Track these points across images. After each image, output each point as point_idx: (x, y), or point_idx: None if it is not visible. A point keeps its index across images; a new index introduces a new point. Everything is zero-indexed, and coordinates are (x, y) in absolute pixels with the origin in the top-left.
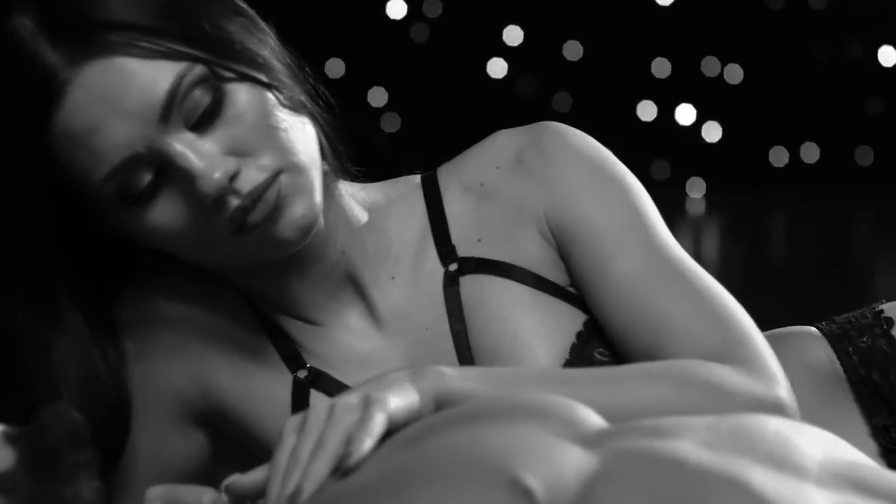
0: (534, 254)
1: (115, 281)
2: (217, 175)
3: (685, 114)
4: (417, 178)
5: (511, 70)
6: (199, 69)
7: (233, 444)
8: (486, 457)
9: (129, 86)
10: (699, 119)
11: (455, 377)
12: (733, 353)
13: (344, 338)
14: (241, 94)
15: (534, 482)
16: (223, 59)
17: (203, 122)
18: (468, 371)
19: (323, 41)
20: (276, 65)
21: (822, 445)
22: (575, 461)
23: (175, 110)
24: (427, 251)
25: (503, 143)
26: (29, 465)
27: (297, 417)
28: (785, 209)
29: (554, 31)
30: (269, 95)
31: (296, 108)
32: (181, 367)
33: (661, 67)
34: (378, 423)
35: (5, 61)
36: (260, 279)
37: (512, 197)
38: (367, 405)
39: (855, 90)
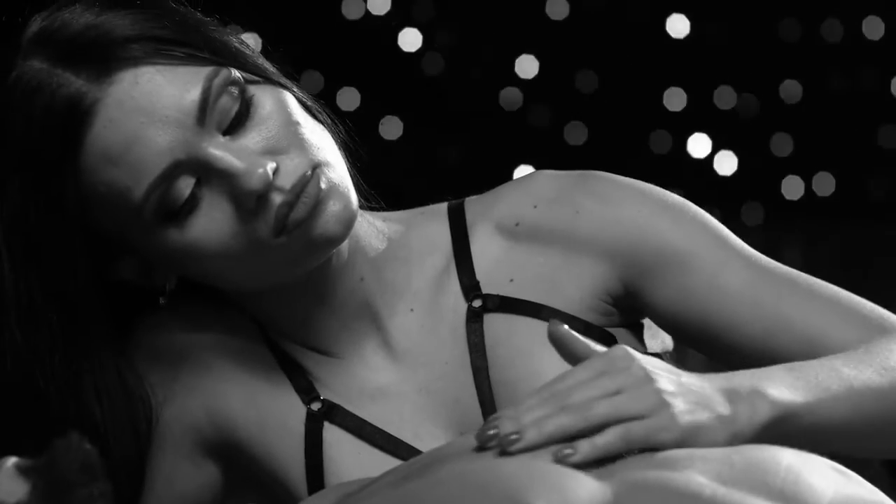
0: (572, 296)
1: (134, 312)
2: (260, 171)
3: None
4: (444, 207)
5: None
6: (225, 72)
7: (245, 477)
8: (498, 486)
9: (161, 93)
10: (713, 150)
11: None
12: (885, 328)
13: (359, 370)
14: (266, 96)
15: None
16: (242, 65)
17: (235, 126)
18: (778, 382)
19: (337, 72)
20: (285, 79)
21: (833, 482)
22: (587, 492)
23: (209, 113)
24: (449, 285)
25: (543, 183)
26: (42, 497)
27: (605, 360)
28: (799, 240)
29: (567, 61)
30: (291, 97)
31: (312, 113)
32: (195, 398)
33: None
34: (621, 444)
35: (29, 99)
36: (277, 306)
37: (556, 237)
38: (654, 410)
39: (868, 121)
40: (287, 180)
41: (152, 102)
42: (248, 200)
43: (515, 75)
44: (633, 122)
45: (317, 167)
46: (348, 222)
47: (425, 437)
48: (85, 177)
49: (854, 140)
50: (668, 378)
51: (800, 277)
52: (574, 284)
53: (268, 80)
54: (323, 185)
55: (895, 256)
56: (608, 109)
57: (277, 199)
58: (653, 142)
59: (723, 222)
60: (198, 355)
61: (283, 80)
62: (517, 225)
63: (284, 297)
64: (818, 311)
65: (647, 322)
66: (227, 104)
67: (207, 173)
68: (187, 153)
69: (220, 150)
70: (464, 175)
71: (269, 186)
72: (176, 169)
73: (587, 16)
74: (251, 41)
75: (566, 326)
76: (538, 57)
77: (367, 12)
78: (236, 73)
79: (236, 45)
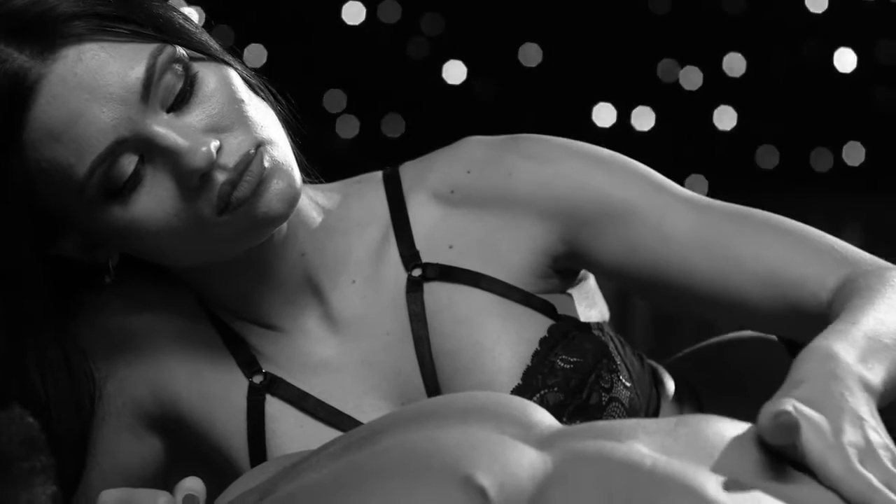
0: (512, 260)
1: (76, 288)
2: (203, 149)
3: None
4: (379, 175)
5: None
6: (170, 49)
7: (189, 449)
8: (439, 456)
9: (105, 70)
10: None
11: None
12: (847, 260)
13: (301, 343)
14: (210, 74)
15: (487, 481)
16: (186, 42)
17: (179, 104)
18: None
19: (281, 46)
20: (228, 55)
21: (779, 455)
22: (528, 462)
23: (153, 90)
24: (388, 254)
25: (475, 148)
26: None
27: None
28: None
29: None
30: (235, 74)
31: (255, 90)
32: (137, 372)
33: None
34: None
35: None
36: (219, 281)
37: (491, 201)
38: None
39: (813, 94)
40: (230, 158)
41: (96, 79)
42: (191, 178)
43: (459, 48)
44: (576, 96)
45: (260, 145)
46: (292, 200)
47: (367, 408)
48: (28, 153)
49: (797, 113)
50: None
51: (748, 213)
52: (513, 247)
53: (212, 57)
54: (266, 164)
55: (838, 229)
56: (552, 83)
57: (220, 177)
58: (596, 115)
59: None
60: (141, 331)
61: (227, 58)
62: (452, 192)
63: (226, 273)
64: (768, 247)
65: (584, 292)
66: (171, 81)
67: (151, 151)
68: (131, 130)
69: (164, 128)
70: (407, 149)
71: (212, 165)
72: (119, 146)
73: None
74: (194, 16)
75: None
76: (482, 31)
77: None
78: (181, 51)
79: (181, 21)
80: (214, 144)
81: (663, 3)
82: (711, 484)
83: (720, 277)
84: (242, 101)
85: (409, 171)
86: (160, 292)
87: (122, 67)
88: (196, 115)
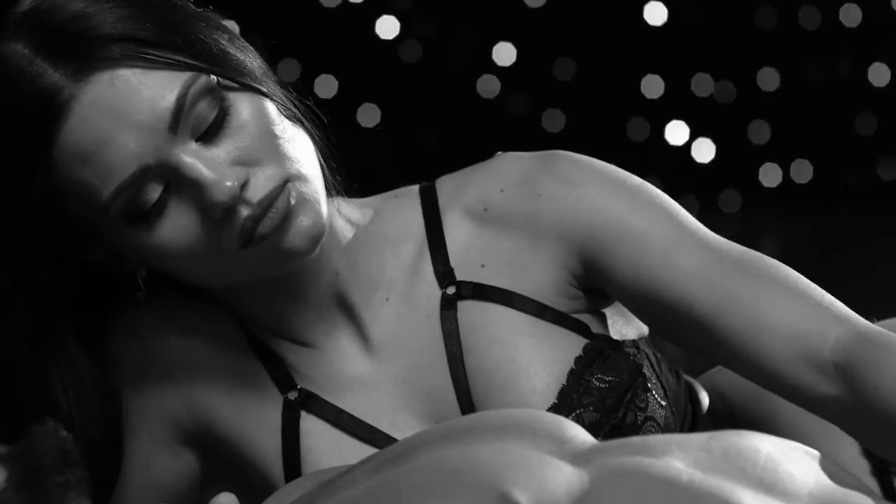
0: (540, 280)
1: (108, 302)
2: (228, 183)
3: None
4: (415, 190)
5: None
6: (203, 79)
7: (223, 465)
8: (475, 472)
9: (136, 97)
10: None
11: None
12: (840, 319)
13: (335, 360)
14: (244, 105)
15: (524, 498)
16: (223, 70)
17: (209, 134)
18: None
19: (314, 60)
20: (268, 78)
21: (813, 471)
22: (565, 478)
23: (183, 120)
24: (423, 271)
25: (509, 167)
26: (18, 484)
27: None
28: (777, 227)
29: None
30: (270, 105)
31: (292, 119)
32: (171, 387)
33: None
34: None
35: (6, 84)
36: (252, 299)
37: (521, 221)
38: None
39: (846, 108)
40: (256, 193)
41: (126, 106)
42: (215, 211)
43: (493, 63)
44: (610, 110)
45: (288, 181)
46: (316, 238)
47: (401, 426)
48: (56, 170)
49: (831, 127)
50: None
51: (758, 261)
52: (539, 268)
53: (248, 87)
54: (293, 200)
55: (871, 243)
56: (586, 97)
57: (244, 211)
58: (630, 129)
59: (700, 209)
60: (176, 347)
61: (267, 83)
62: (486, 210)
63: (259, 292)
64: (769, 295)
65: (621, 309)
66: (203, 111)
67: (176, 180)
68: (157, 159)
69: (191, 158)
70: (441, 163)
71: (236, 199)
72: (144, 174)
73: (565, 3)
74: (235, 28)
75: None
76: (516, 45)
77: (345, 0)
78: (215, 80)
79: (223, 43)
80: (240, 178)
81: (697, 18)
82: (748, 500)
83: (714, 311)
84: (275, 134)
85: (446, 187)
86: (195, 308)
87: (153, 95)
88: (225, 147)
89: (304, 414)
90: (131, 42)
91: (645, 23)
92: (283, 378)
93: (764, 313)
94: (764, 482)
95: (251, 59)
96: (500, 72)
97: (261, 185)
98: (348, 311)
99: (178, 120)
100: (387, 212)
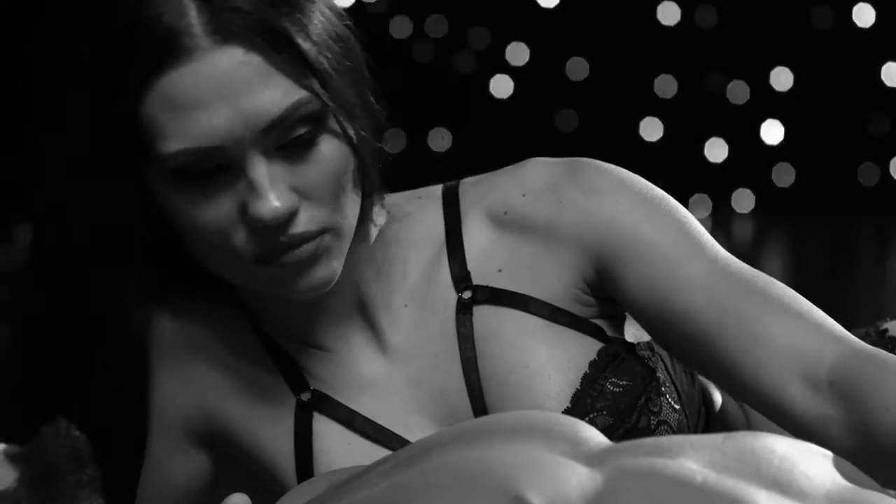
0: (556, 286)
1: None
2: (277, 204)
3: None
4: (438, 191)
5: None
6: (315, 105)
7: (236, 466)
8: (489, 474)
9: (254, 89)
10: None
11: None
12: (838, 340)
13: (350, 363)
14: (331, 145)
15: (538, 500)
16: (336, 106)
17: (288, 150)
18: None
19: None
20: (366, 116)
21: (829, 471)
22: (579, 479)
23: (277, 130)
24: (440, 275)
25: (534, 172)
26: (30, 484)
27: None
28: (790, 227)
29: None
30: (351, 157)
31: (363, 177)
32: (185, 388)
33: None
34: None
35: (141, 4)
36: (270, 301)
37: (539, 227)
38: None
39: (859, 108)
40: (295, 227)
41: (241, 90)
42: (251, 219)
43: (507, 63)
44: (623, 110)
45: (326, 231)
46: (319, 290)
47: (415, 428)
48: (145, 98)
49: (843, 127)
50: None
51: (764, 281)
52: (556, 274)
53: (345, 135)
54: (320, 251)
55: (883, 243)
56: (599, 97)
57: (275, 236)
58: (643, 129)
59: (713, 209)
60: (189, 347)
61: (360, 144)
62: (505, 213)
63: (277, 296)
64: (772, 312)
65: None
66: (297, 131)
67: (238, 172)
68: (235, 147)
69: (263, 164)
70: (453, 163)
71: (277, 221)
72: (215, 151)
73: (578, 3)
74: None
75: None
76: (529, 45)
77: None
78: (321, 113)
79: (346, 69)
80: (292, 207)
81: (710, 18)
82: (763, 500)
83: (717, 324)
84: (340, 185)
85: (469, 189)
86: (210, 310)
87: (269, 96)
88: (294, 171)
89: (316, 415)
90: (282, 39)
91: (658, 23)
92: (297, 379)
93: (765, 330)
94: (779, 482)
95: (360, 95)
96: (514, 72)
97: (303, 221)
98: (368, 316)
99: (274, 129)
100: (409, 216)
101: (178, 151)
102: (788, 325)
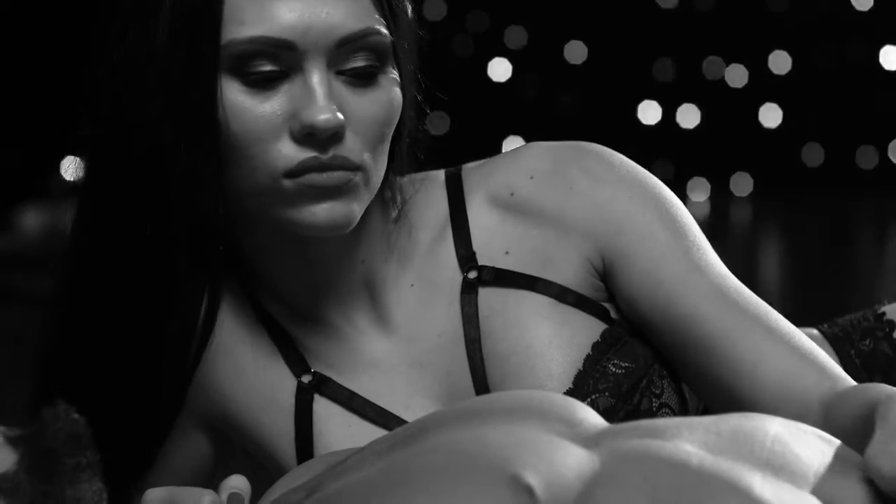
0: (565, 269)
1: None
2: (329, 116)
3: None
4: (441, 176)
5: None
6: (385, 39)
7: (236, 448)
8: (486, 455)
9: (335, 11)
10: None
11: None
12: (823, 370)
13: (352, 341)
14: (387, 90)
15: (534, 480)
16: (403, 52)
17: (351, 78)
18: None
19: None
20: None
21: (820, 452)
22: (576, 460)
23: (345, 50)
24: (445, 255)
25: (539, 155)
26: (29, 467)
27: None
28: (788, 211)
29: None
30: (397, 115)
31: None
32: None
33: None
34: None
35: None
36: (276, 269)
37: (549, 211)
38: None
39: (857, 92)
40: (339, 148)
41: (315, 9)
42: (302, 127)
43: (504, 46)
44: (622, 93)
45: (361, 169)
46: (336, 229)
47: (417, 409)
48: None
49: (842, 111)
50: None
51: (765, 304)
52: (565, 258)
53: (402, 81)
54: (350, 185)
55: (882, 227)
56: (597, 80)
57: (314, 152)
58: (642, 112)
59: (712, 192)
60: None
61: (406, 105)
62: (512, 195)
63: (287, 266)
64: (774, 329)
65: None
66: (361, 60)
67: (296, 79)
68: (304, 50)
69: (324, 77)
70: (452, 147)
71: (328, 131)
72: (281, 46)
73: None
74: None
75: None
76: (527, 28)
77: None
78: (387, 51)
79: (414, 24)
80: (341, 124)
81: (708, 1)
82: (758, 482)
83: (721, 334)
84: (385, 131)
85: (472, 173)
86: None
87: (349, 10)
88: (350, 99)
89: (317, 397)
90: None
91: (656, 6)
92: (297, 360)
93: (768, 346)
94: (772, 463)
95: (415, 56)
96: (512, 55)
97: (345, 147)
98: (374, 295)
99: (345, 45)
100: (415, 198)
101: (252, 37)
102: (789, 346)
